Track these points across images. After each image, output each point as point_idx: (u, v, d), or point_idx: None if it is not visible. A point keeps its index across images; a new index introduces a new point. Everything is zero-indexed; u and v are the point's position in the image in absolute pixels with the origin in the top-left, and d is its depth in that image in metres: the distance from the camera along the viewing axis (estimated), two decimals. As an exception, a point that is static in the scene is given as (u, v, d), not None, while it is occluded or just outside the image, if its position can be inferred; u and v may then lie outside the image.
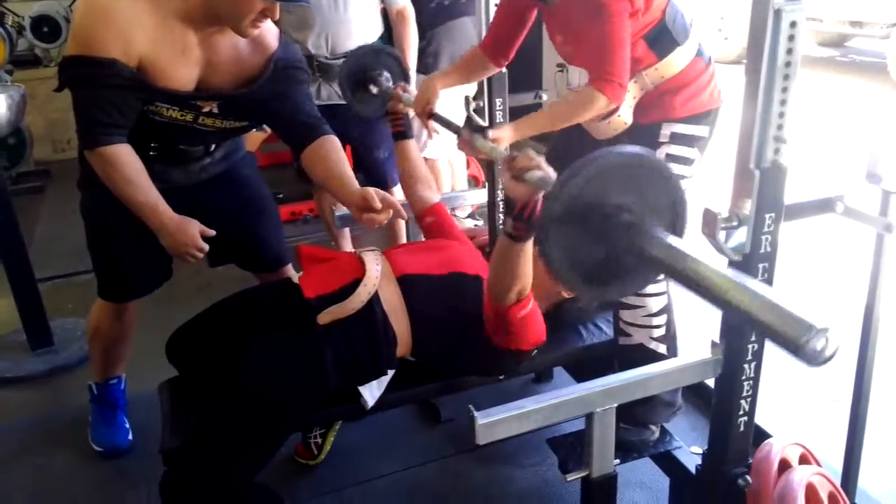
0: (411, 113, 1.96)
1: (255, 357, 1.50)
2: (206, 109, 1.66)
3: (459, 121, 2.01)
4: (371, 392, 1.54)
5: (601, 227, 0.93)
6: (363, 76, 2.04)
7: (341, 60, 2.37)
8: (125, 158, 1.58)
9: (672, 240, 0.90)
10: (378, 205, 1.56)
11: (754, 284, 0.85)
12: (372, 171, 2.62)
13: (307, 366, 1.48)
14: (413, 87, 2.34)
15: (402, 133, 1.97)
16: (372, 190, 1.58)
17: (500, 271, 1.41)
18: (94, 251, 1.87)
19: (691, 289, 0.89)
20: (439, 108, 1.90)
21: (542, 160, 1.22)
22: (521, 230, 1.30)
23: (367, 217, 1.58)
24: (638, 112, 1.64)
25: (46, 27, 4.82)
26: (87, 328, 2.09)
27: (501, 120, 2.06)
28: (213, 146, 1.85)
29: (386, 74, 2.03)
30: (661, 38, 1.58)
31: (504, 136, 1.55)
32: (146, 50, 1.52)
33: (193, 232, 1.61)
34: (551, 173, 1.20)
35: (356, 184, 1.66)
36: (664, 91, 1.61)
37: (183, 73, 1.58)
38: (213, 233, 1.63)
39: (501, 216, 2.14)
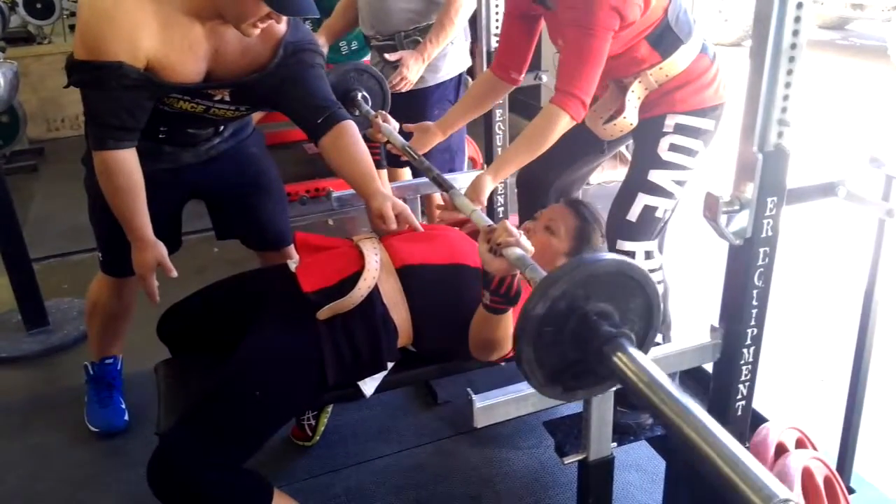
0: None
1: (252, 350, 1.47)
2: (217, 97, 1.64)
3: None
4: (371, 383, 1.53)
5: (579, 333, 0.93)
6: (343, 95, 2.02)
7: (392, 42, 2.37)
8: (126, 167, 1.58)
9: (651, 367, 0.89)
10: (393, 226, 1.57)
11: (723, 435, 0.81)
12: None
13: (305, 363, 1.46)
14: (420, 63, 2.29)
15: (377, 163, 1.88)
16: (389, 208, 1.57)
17: (481, 338, 1.42)
18: (98, 224, 1.86)
19: (658, 419, 0.87)
20: None
21: (519, 235, 1.21)
22: (499, 304, 1.30)
23: (382, 227, 1.59)
24: (643, 108, 1.62)
25: (40, 4, 4.76)
26: (85, 303, 2.08)
27: (501, 101, 2.04)
28: (221, 127, 1.84)
29: (365, 95, 2.02)
30: (665, 38, 1.55)
31: (484, 187, 1.51)
32: (153, 50, 1.50)
33: (149, 260, 1.61)
34: (529, 248, 1.20)
35: (376, 184, 1.62)
36: (669, 89, 1.59)
37: (192, 67, 1.56)
38: (174, 273, 1.61)
39: (500, 198, 2.13)
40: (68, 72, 1.54)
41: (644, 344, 1.01)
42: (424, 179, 2.34)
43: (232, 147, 1.91)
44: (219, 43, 1.57)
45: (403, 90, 2.34)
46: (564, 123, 1.48)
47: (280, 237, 2.05)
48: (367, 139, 1.86)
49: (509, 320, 1.37)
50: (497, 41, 2.02)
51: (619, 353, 0.90)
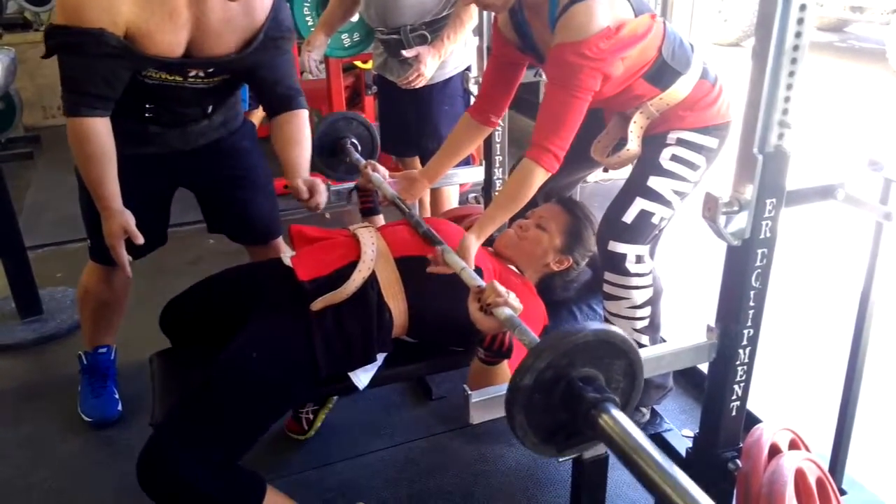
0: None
1: (244, 344, 1.46)
2: (192, 73, 1.66)
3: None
4: (364, 375, 1.53)
5: (566, 399, 0.98)
6: (333, 143, 2.07)
7: (397, 35, 2.37)
8: (98, 135, 1.58)
9: (634, 430, 0.92)
10: (304, 196, 1.70)
11: (703, 499, 0.83)
12: (426, 160, 2.58)
13: (297, 355, 1.45)
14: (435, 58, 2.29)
15: (371, 210, 1.95)
16: (300, 181, 1.71)
17: (480, 387, 1.41)
18: (87, 211, 1.85)
19: (642, 481, 0.89)
20: None
21: (509, 295, 1.24)
22: (492, 358, 1.35)
23: (304, 203, 1.72)
24: (644, 133, 1.64)
25: (37, -10, 4.73)
26: (77, 290, 2.07)
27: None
28: (209, 108, 1.84)
29: (354, 143, 2.06)
30: (662, 73, 1.56)
31: (470, 248, 1.53)
32: (133, 18, 1.50)
33: (115, 228, 1.60)
34: (518, 307, 1.23)
35: (298, 170, 1.75)
36: (669, 114, 1.61)
37: (171, 37, 1.56)
38: (141, 240, 1.60)
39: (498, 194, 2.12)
40: (46, 38, 1.54)
41: (629, 402, 1.06)
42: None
43: (223, 138, 1.91)
44: (200, 14, 1.57)
45: (418, 86, 2.34)
46: (540, 177, 1.52)
47: (267, 231, 2.05)
48: (358, 189, 1.94)
49: (505, 369, 1.41)
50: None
51: (605, 416, 0.94)
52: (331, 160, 2.12)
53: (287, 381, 1.47)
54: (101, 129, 1.59)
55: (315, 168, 2.09)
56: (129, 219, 1.61)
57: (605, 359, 1.00)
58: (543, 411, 0.98)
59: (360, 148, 2.10)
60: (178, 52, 1.59)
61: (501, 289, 1.25)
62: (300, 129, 1.81)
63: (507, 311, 1.23)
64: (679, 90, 1.58)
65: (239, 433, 1.40)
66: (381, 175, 1.88)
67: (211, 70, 1.68)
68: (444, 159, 1.88)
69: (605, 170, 1.88)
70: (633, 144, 1.63)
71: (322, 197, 1.72)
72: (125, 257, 1.62)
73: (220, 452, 1.37)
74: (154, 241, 1.93)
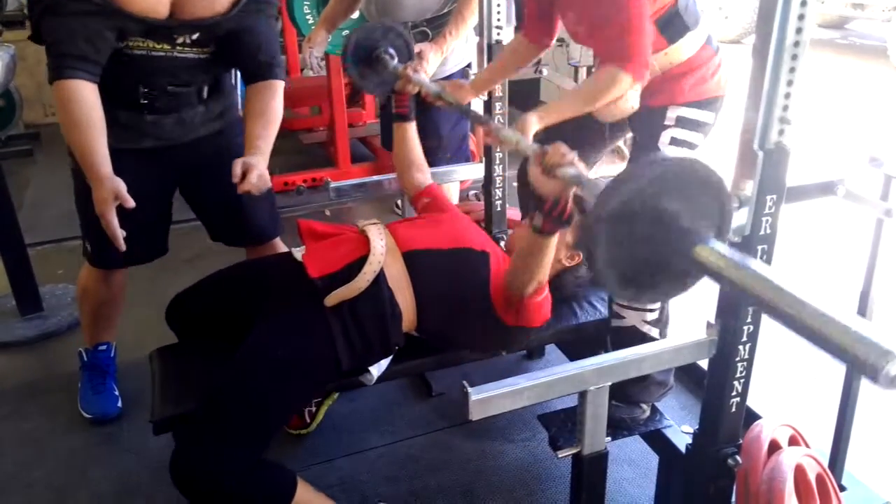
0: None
1: (264, 337, 1.47)
2: (180, 41, 1.66)
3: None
4: (377, 369, 1.53)
5: (654, 230, 0.90)
6: (369, 53, 1.99)
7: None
8: (83, 97, 1.55)
9: (736, 255, 0.87)
10: (235, 179, 1.59)
11: (820, 303, 0.80)
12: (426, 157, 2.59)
13: (319, 348, 1.46)
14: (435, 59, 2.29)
15: (406, 115, 1.90)
16: (238, 164, 1.60)
17: (522, 265, 1.42)
18: (83, 214, 1.85)
19: (753, 301, 0.85)
20: None
21: (573, 155, 1.20)
22: (549, 225, 1.31)
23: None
24: (644, 95, 1.63)
25: (37, -13, 4.72)
26: (76, 289, 2.08)
27: (501, 94, 2.03)
28: (205, 91, 1.83)
29: (391, 53, 1.99)
30: (673, 24, 1.56)
31: (529, 125, 1.51)
32: None
33: (105, 195, 1.53)
34: (584, 170, 1.19)
35: (251, 145, 1.70)
36: (671, 76, 1.60)
37: None
38: (132, 204, 1.52)
39: (498, 192, 2.13)
40: (30, 8, 1.54)
41: (721, 233, 0.97)
42: (435, 170, 2.32)
43: (221, 132, 1.90)
44: None
45: None
46: (624, 84, 1.47)
47: (262, 232, 2.03)
48: (394, 92, 1.88)
49: (553, 246, 1.38)
50: (498, 35, 2.01)
51: (700, 248, 0.87)
52: (365, 70, 2.02)
53: (309, 377, 1.48)
54: (86, 93, 1.56)
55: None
56: (120, 185, 1.54)
57: (693, 194, 0.92)
58: (626, 246, 0.90)
59: (396, 59, 2.02)
60: (161, 13, 1.59)
61: (566, 149, 1.21)
62: (272, 99, 1.78)
63: (572, 170, 1.18)
64: (684, 47, 1.58)
65: (265, 427, 1.42)
66: (421, 76, 1.83)
67: (196, 36, 1.67)
68: (494, 74, 1.88)
69: (605, 142, 1.85)
70: (634, 99, 1.61)
71: (250, 186, 1.60)
72: (117, 227, 1.55)
73: (249, 447, 1.38)
74: (153, 250, 1.92)
